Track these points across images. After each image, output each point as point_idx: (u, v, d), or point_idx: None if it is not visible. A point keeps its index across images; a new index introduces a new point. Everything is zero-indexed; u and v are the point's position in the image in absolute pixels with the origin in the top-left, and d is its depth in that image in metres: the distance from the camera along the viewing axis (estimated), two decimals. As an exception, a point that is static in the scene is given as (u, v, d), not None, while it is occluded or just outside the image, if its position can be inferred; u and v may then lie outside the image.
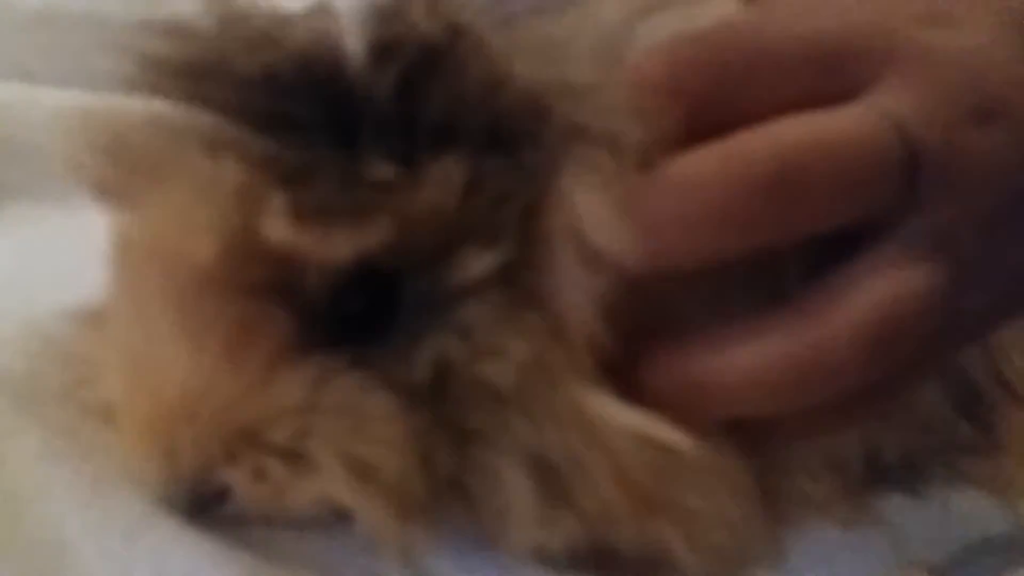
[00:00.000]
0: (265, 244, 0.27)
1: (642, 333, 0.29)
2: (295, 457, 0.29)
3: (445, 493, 0.29)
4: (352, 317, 0.29)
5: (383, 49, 0.28)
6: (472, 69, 0.28)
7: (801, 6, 0.32)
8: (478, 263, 0.28)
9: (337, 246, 0.27)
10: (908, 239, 0.30)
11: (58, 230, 0.43)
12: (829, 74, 0.30)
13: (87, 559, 0.29)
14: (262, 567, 0.30)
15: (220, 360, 0.28)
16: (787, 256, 0.30)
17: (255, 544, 0.30)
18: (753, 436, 0.30)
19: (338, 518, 0.30)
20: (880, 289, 0.29)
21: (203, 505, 0.29)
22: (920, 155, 0.29)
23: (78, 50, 0.50)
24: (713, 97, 0.29)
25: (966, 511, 0.37)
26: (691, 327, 0.29)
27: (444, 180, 0.28)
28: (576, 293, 0.28)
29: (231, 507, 0.29)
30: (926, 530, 0.36)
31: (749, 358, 0.29)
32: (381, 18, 0.28)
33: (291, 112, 0.28)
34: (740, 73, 0.29)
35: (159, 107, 0.29)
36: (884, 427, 0.35)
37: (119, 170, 0.30)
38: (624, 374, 0.29)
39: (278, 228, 0.27)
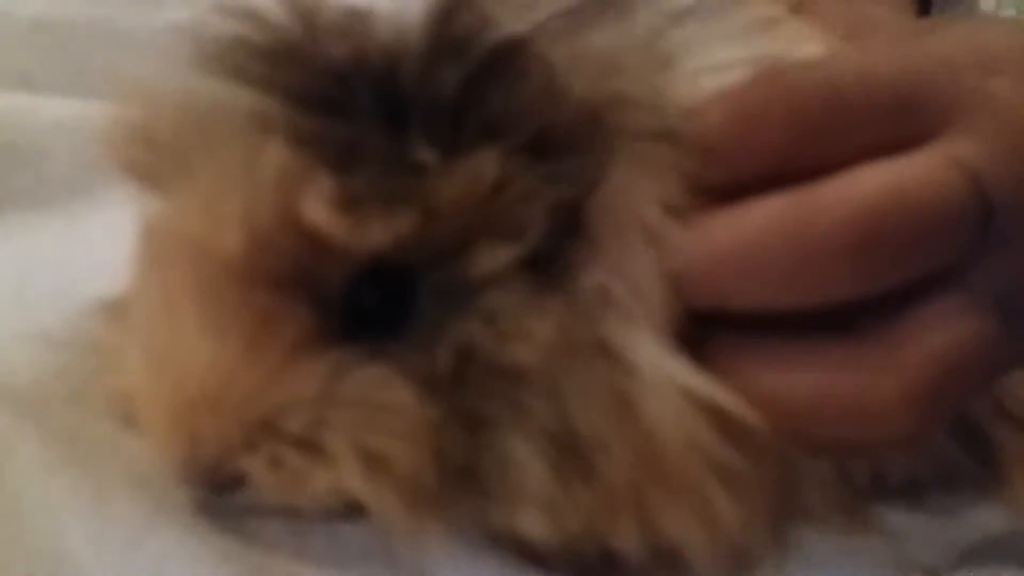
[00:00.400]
0: (299, 228, 0.28)
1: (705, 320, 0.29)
2: (311, 447, 0.29)
3: (457, 484, 0.29)
4: (368, 311, 0.29)
5: (450, 44, 0.29)
6: (533, 79, 0.29)
7: (865, 50, 0.32)
8: (497, 256, 0.29)
9: (371, 235, 0.28)
10: (975, 289, 0.29)
11: (60, 238, 0.43)
12: (902, 121, 0.30)
13: (89, 569, 0.29)
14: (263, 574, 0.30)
15: (241, 351, 0.29)
16: None
17: (256, 553, 0.30)
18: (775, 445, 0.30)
19: (343, 518, 0.30)
20: (945, 345, 0.29)
21: (219, 491, 0.30)
22: (994, 205, 0.29)
23: (78, 57, 0.50)
24: (788, 148, 0.29)
25: (965, 514, 0.37)
26: (746, 327, 0.29)
27: (475, 173, 0.28)
28: (644, 271, 0.29)
29: (246, 496, 0.30)
30: (924, 533, 0.36)
31: (803, 382, 0.29)
32: (450, 12, 0.29)
33: (348, 97, 0.28)
34: (817, 124, 0.29)
35: (199, 90, 0.30)
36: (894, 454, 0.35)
37: (152, 154, 0.31)
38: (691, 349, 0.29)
39: (319, 213, 0.27)
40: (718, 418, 0.29)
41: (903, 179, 0.28)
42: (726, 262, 0.29)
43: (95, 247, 0.38)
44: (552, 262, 0.29)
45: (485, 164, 0.28)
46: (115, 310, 0.33)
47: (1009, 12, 0.69)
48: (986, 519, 0.37)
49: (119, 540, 0.30)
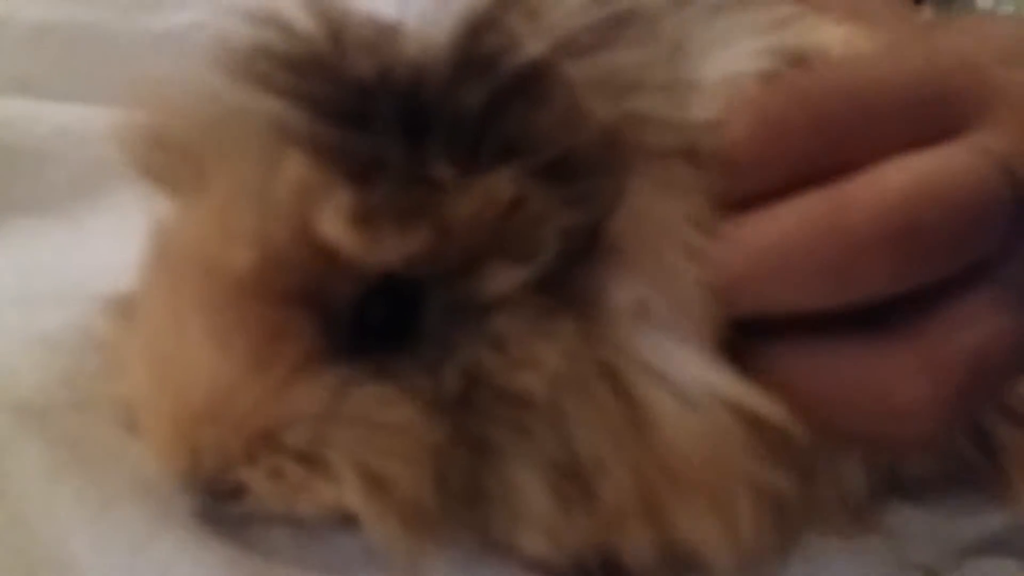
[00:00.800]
0: (312, 242, 0.28)
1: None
2: (312, 461, 0.29)
3: (458, 504, 0.29)
4: (375, 327, 0.29)
5: (475, 64, 0.28)
6: (556, 103, 0.29)
7: (887, 49, 0.32)
8: (507, 277, 0.29)
9: (385, 251, 0.28)
10: (1005, 283, 0.30)
11: (61, 243, 0.43)
12: (927, 118, 0.30)
13: (92, 574, 0.29)
14: (265, 579, 0.30)
15: (246, 365, 0.29)
16: None
17: (257, 559, 0.30)
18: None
19: (345, 525, 0.30)
20: (976, 344, 0.29)
21: (219, 500, 0.30)
22: None
23: (78, 62, 0.50)
24: (813, 151, 0.29)
25: (965, 513, 0.37)
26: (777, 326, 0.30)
27: (490, 192, 0.28)
28: (684, 284, 0.29)
29: (245, 506, 0.30)
30: (925, 532, 0.36)
31: (834, 377, 0.29)
32: (478, 30, 0.29)
33: (372, 111, 0.28)
34: (840, 126, 0.29)
35: (217, 94, 0.30)
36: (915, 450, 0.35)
37: (166, 155, 0.31)
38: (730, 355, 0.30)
39: (335, 227, 0.27)
40: (756, 428, 0.29)
41: (933, 170, 0.28)
42: (759, 266, 0.29)
43: (96, 252, 0.39)
44: (562, 285, 0.29)
45: (501, 184, 0.28)
46: (121, 308, 0.33)
47: (1007, 9, 0.69)
48: (986, 517, 0.37)
49: (122, 546, 0.30)
